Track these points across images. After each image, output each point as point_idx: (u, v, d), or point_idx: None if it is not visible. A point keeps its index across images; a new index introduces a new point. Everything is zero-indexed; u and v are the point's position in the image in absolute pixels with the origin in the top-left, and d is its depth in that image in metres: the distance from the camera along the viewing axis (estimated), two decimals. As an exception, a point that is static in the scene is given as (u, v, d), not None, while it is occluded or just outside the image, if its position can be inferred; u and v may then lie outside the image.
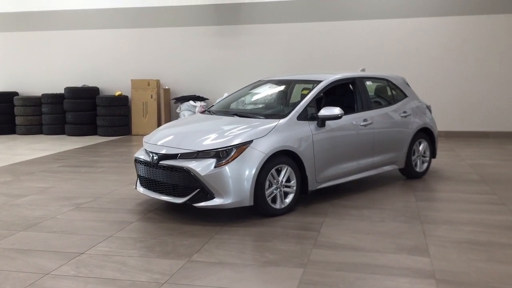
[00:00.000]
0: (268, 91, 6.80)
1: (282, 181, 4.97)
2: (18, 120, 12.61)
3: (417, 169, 6.68)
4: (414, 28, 11.16)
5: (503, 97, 10.88)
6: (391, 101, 6.53)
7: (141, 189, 5.38)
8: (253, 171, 4.70)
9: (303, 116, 5.32)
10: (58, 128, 12.45)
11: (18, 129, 12.63)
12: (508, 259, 3.82)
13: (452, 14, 10.96)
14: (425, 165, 6.80)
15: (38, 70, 13.22)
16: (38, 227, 4.75)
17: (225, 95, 8.81)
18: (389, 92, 6.64)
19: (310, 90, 5.67)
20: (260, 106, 6.68)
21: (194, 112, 11.34)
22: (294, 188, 5.08)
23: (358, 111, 5.94)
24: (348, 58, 11.37)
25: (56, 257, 3.94)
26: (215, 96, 11.91)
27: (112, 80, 12.79)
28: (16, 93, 13.10)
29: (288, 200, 5.06)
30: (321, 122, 5.35)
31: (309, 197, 5.62)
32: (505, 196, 5.71)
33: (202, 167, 4.67)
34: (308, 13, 11.61)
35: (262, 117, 5.40)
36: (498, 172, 7.13)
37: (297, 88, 6.54)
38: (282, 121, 5.16)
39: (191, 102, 11.75)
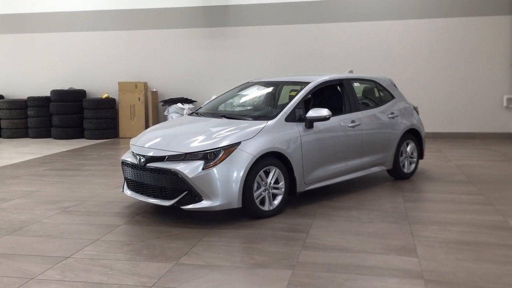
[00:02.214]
0: (256, 93, 6.79)
1: (270, 182, 4.96)
2: (3, 123, 12.46)
3: (405, 170, 6.71)
4: (402, 30, 11.23)
5: (489, 99, 10.99)
6: (378, 103, 6.55)
7: (128, 192, 5.33)
8: (241, 173, 4.68)
9: (291, 118, 5.32)
10: (44, 131, 12.33)
11: (3, 133, 12.48)
12: (496, 258, 3.84)
13: (439, 16, 11.05)
14: (413, 166, 6.83)
15: (24, 72, 13.08)
16: (24, 231, 4.68)
17: (213, 97, 8.79)
18: (377, 94, 6.66)
19: (298, 91, 5.67)
20: (248, 107, 6.66)
21: (182, 115, 11.29)
22: (283, 189, 5.07)
23: (346, 113, 5.95)
24: (336, 60, 11.41)
25: (41, 261, 3.88)
26: (203, 98, 11.88)
27: (99, 82, 12.70)
28: (1, 96, 12.96)
29: (276, 202, 5.04)
30: (309, 123, 5.35)
31: (297, 199, 5.61)
32: (492, 197, 5.75)
33: (189, 169, 4.64)
34: (296, 15, 11.63)
35: (250, 119, 5.39)
36: (485, 172, 7.19)
37: (285, 90, 6.54)
38: (270, 122, 5.15)
39: (179, 105, 11.70)
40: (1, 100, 12.59)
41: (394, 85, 6.99)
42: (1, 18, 13.10)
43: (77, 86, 12.73)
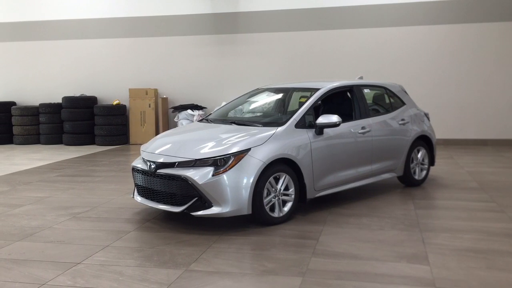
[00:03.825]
0: (266, 99, 6.79)
1: (280, 189, 4.95)
2: (15, 130, 12.58)
3: (416, 177, 6.67)
4: (413, 36, 11.20)
5: (501, 105, 10.90)
6: (389, 109, 6.53)
7: (138, 198, 5.35)
8: (251, 180, 4.68)
9: (301, 124, 5.31)
10: (55, 137, 12.43)
11: (15, 139, 12.60)
12: (508, 266, 3.80)
13: (449, 22, 11.00)
14: (424, 172, 6.78)
15: (35, 79, 13.22)
16: (35, 237, 4.71)
17: (223, 103, 8.81)
18: (387, 100, 6.64)
19: (308, 98, 5.67)
20: (258, 114, 6.67)
21: (192, 121, 11.33)
22: (293, 196, 5.06)
23: (356, 119, 5.93)
24: (346, 66, 11.40)
25: (52, 267, 3.90)
26: (213, 104, 11.92)
27: (110, 89, 12.80)
28: (13, 103, 13.09)
29: (286, 208, 5.03)
30: (319, 130, 5.34)
31: (307, 206, 5.60)
32: (504, 204, 5.69)
33: (200, 176, 4.65)
34: (305, 22, 11.65)
35: (260, 125, 5.39)
36: (496, 179, 7.12)
37: (295, 96, 6.54)
38: (280, 129, 5.15)
39: (189, 111, 11.74)
40: (13, 106, 12.72)
41: (405, 91, 6.96)
42: (14, 26, 13.26)
43: (88, 92, 12.84)
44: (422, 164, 6.76)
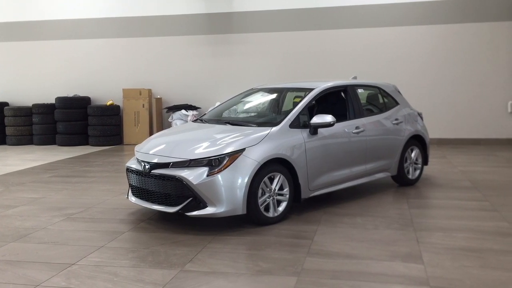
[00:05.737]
0: (260, 99, 6.80)
1: (275, 189, 4.95)
2: (8, 130, 12.52)
3: (410, 176, 6.70)
4: (407, 36, 11.24)
5: (494, 105, 10.97)
6: (382, 109, 6.55)
7: (133, 198, 5.33)
8: (246, 180, 4.68)
9: (296, 124, 5.32)
10: (49, 138, 12.37)
11: (8, 140, 12.54)
12: (502, 265, 3.82)
13: (442, 22, 11.06)
14: (417, 172, 6.81)
15: (28, 80, 13.15)
16: (29, 238, 4.69)
17: (217, 103, 8.81)
18: (381, 100, 6.67)
19: (302, 98, 5.68)
20: (253, 114, 6.67)
21: (186, 121, 11.31)
22: (287, 196, 5.07)
23: (350, 119, 5.95)
24: (340, 66, 11.43)
25: (46, 268, 3.89)
26: (207, 105, 11.90)
27: (103, 89, 12.75)
28: (6, 104, 13.02)
29: (281, 208, 5.04)
30: (314, 129, 5.35)
31: (302, 205, 5.61)
32: (497, 203, 5.73)
33: (194, 176, 4.64)
34: (299, 22, 11.67)
35: (255, 125, 5.40)
36: (490, 178, 7.16)
37: (289, 96, 6.56)
38: (274, 129, 5.16)
39: (183, 111, 11.73)
40: (6, 107, 12.65)
41: (398, 91, 6.99)
42: (7, 26, 13.19)
43: (81, 93, 12.79)
44: (416, 163, 6.79)
